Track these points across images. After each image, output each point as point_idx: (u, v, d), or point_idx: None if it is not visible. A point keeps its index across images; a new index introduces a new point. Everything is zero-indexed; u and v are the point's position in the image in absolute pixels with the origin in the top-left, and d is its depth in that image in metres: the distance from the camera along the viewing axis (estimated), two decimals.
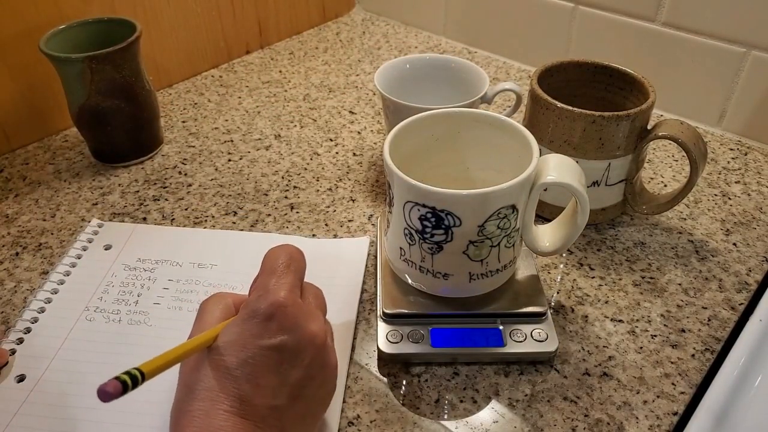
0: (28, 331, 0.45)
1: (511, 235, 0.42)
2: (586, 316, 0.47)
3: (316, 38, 0.89)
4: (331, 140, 0.67)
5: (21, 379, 0.42)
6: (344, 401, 0.41)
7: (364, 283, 0.50)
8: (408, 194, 0.40)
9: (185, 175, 0.62)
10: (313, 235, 0.55)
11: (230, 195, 0.60)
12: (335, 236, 0.55)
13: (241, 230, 0.55)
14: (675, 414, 0.41)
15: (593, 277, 0.51)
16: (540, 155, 0.41)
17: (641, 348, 0.45)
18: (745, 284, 0.50)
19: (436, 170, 0.47)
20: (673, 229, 0.55)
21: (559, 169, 0.40)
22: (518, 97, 0.60)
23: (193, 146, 0.66)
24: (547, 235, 0.45)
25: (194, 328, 0.36)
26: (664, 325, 0.47)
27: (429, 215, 0.39)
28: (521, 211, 0.41)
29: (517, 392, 0.42)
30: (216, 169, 0.63)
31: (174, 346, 0.33)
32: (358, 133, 0.69)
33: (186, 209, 0.58)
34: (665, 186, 0.61)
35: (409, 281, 0.45)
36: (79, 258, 0.51)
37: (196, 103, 0.74)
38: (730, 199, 0.59)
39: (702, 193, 0.60)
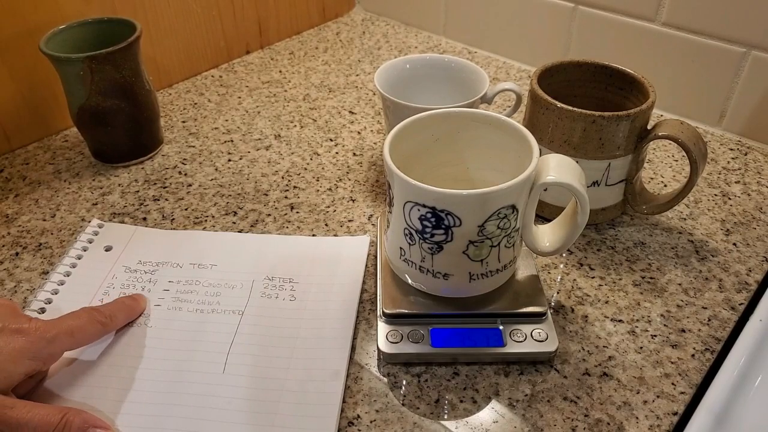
0: None
1: (511, 235, 0.42)
2: (586, 316, 0.47)
3: (316, 38, 0.89)
4: (331, 140, 0.67)
5: None
6: (344, 401, 0.41)
7: (364, 283, 0.50)
8: (408, 194, 0.40)
9: (185, 175, 0.62)
10: (313, 235, 0.55)
11: (230, 195, 0.60)
12: (335, 236, 0.55)
13: (241, 230, 0.55)
14: (675, 414, 0.41)
15: (593, 277, 0.51)
16: (540, 155, 0.41)
17: (641, 348, 0.45)
18: (745, 284, 0.50)
19: (436, 170, 0.47)
20: (673, 229, 0.55)
21: (559, 169, 0.40)
22: (518, 97, 0.60)
23: (193, 146, 0.66)
24: (547, 235, 0.45)
25: None
26: (664, 325, 0.47)
27: (429, 215, 0.39)
28: (521, 211, 0.41)
29: (517, 392, 0.42)
30: (216, 169, 0.63)
31: None
32: (358, 133, 0.69)
33: (186, 209, 0.58)
34: (665, 186, 0.61)
35: (409, 281, 0.45)
36: (79, 258, 0.51)
37: (196, 103, 0.74)
38: (730, 199, 0.59)
39: (702, 193, 0.60)
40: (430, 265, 0.42)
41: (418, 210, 0.40)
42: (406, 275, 0.45)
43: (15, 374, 0.37)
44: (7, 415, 0.35)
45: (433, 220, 0.40)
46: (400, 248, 0.43)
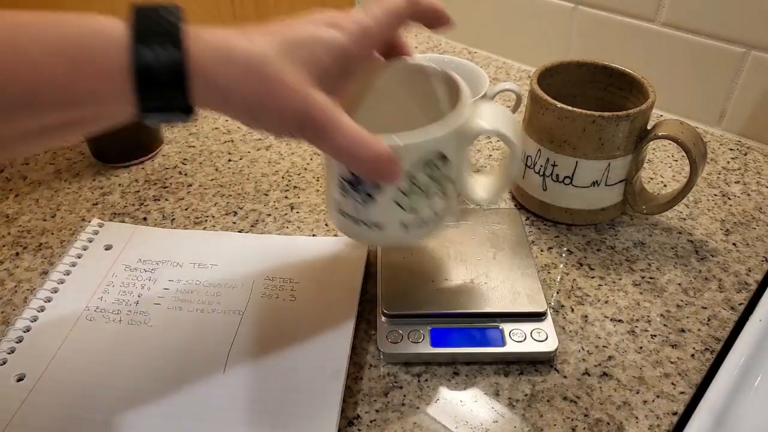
0: (27, 330, 0.45)
1: (442, 184, 0.40)
2: (586, 316, 0.47)
3: None
4: None
5: (21, 378, 0.42)
6: (344, 401, 0.41)
7: (364, 283, 0.50)
8: None
9: (185, 175, 0.62)
10: (313, 235, 0.55)
11: (230, 195, 0.60)
12: (335, 236, 0.55)
13: (241, 230, 0.55)
14: (675, 414, 0.41)
15: (593, 277, 0.51)
16: (482, 106, 0.39)
17: (641, 348, 0.45)
18: (744, 284, 0.50)
19: (373, 121, 0.44)
20: (673, 229, 0.55)
21: (493, 117, 0.39)
22: (518, 97, 0.60)
23: (194, 146, 0.67)
24: (481, 184, 0.43)
25: None
26: (664, 325, 0.47)
27: None
28: (452, 160, 0.40)
29: (517, 392, 0.42)
30: (216, 169, 0.63)
31: None
32: None
33: (186, 209, 0.58)
34: (665, 186, 0.61)
35: (348, 234, 0.44)
36: (79, 258, 0.51)
37: None
38: (729, 199, 0.59)
39: (702, 193, 0.60)
40: (365, 216, 0.41)
41: None
42: (344, 229, 0.43)
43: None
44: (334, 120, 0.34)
45: None
46: (335, 199, 0.42)
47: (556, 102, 0.50)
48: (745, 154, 0.65)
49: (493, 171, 0.44)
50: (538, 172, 0.53)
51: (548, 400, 0.41)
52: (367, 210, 0.41)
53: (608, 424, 0.40)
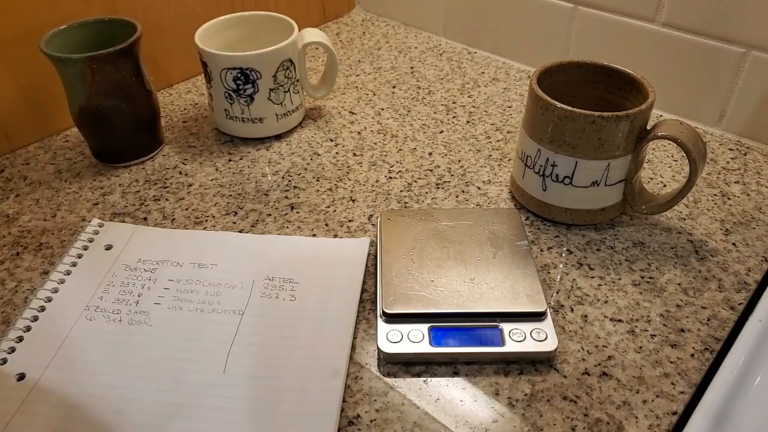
0: (28, 329, 0.45)
1: (295, 84, 0.64)
2: (586, 316, 0.47)
3: None
4: (331, 140, 0.67)
5: (21, 377, 0.42)
6: (344, 401, 0.41)
7: (364, 283, 0.50)
8: (223, 63, 0.60)
9: (186, 175, 0.62)
10: (313, 235, 0.55)
11: (230, 195, 0.60)
12: (335, 236, 0.55)
13: (242, 230, 0.55)
14: (674, 414, 0.41)
15: (593, 277, 0.51)
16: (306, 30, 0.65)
17: (641, 348, 0.45)
18: (744, 284, 0.50)
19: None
20: (673, 229, 0.56)
21: (314, 35, 0.64)
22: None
23: (194, 146, 0.67)
24: (316, 83, 0.70)
25: None
26: (664, 324, 0.47)
27: (239, 75, 0.61)
28: (297, 65, 0.64)
29: (516, 392, 0.42)
30: (216, 169, 0.63)
31: None
32: (358, 133, 0.69)
33: (186, 209, 0.58)
34: (665, 186, 0.61)
35: (236, 133, 0.65)
36: (79, 258, 0.52)
37: (196, 104, 0.74)
38: (729, 199, 0.59)
39: (701, 193, 0.60)
40: (249, 115, 0.63)
41: (232, 73, 0.60)
42: (232, 128, 0.65)
43: None
44: None
45: (242, 78, 0.61)
46: (225, 110, 0.64)
47: (556, 102, 0.50)
48: (745, 154, 0.66)
49: (322, 74, 0.69)
50: (538, 172, 0.53)
51: (548, 400, 0.42)
52: (250, 109, 0.63)
53: (608, 423, 0.40)
